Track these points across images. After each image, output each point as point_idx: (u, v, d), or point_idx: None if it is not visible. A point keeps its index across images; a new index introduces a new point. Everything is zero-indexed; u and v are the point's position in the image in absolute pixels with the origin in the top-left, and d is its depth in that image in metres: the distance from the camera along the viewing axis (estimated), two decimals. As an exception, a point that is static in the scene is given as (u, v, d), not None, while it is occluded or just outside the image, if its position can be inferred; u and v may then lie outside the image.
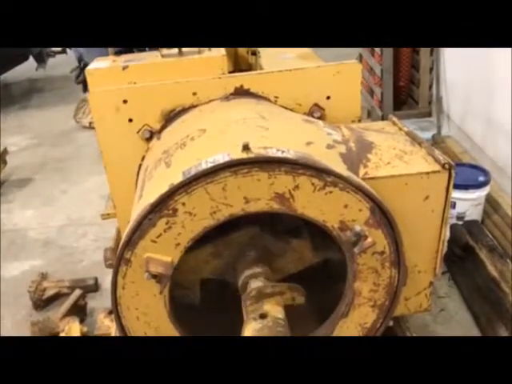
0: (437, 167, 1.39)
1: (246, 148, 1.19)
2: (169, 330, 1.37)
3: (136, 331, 1.36)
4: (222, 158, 1.20)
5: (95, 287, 2.65)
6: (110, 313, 2.23)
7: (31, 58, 6.18)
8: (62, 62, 6.10)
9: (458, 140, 3.61)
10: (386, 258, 1.36)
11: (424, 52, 4.00)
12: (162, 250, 1.25)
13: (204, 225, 1.25)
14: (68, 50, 6.23)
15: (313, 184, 1.23)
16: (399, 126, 1.65)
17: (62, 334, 2.08)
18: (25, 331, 2.27)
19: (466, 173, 2.70)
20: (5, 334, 2.43)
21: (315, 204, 1.26)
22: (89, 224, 3.35)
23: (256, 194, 1.23)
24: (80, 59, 4.06)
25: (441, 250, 1.50)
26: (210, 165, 1.19)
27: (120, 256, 1.26)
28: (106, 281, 2.71)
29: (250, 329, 1.21)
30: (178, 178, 1.20)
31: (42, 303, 2.55)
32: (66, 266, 2.93)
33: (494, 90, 3.12)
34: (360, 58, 4.44)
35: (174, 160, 1.39)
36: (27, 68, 6.35)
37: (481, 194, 2.67)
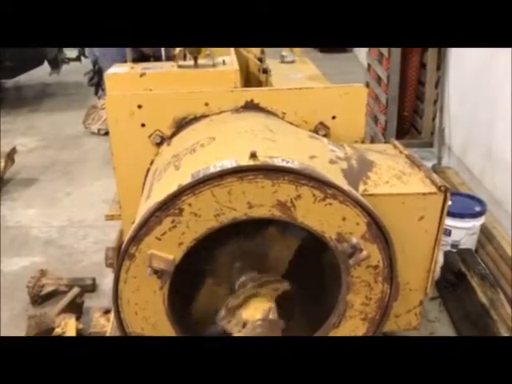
0: (433, 189, 1.45)
1: (253, 156, 1.25)
2: (165, 327, 1.41)
3: (133, 326, 1.40)
4: (229, 164, 1.26)
5: (93, 287, 2.69)
6: (106, 312, 2.27)
7: (46, 63, 6.30)
8: (76, 69, 6.22)
9: (457, 171, 3.68)
10: (380, 272, 1.41)
11: (429, 84, 4.11)
12: (166, 248, 1.30)
13: (208, 226, 1.30)
14: (82, 57, 6.37)
15: (314, 195, 1.29)
16: (400, 149, 1.72)
17: (58, 330, 2.12)
18: (21, 325, 2.30)
19: (462, 202, 2.76)
20: (1, 327, 2.46)
21: (315, 214, 1.31)
22: (90, 227, 3.40)
23: (259, 201, 1.29)
24: (95, 63, 4.22)
25: (432, 270, 1.55)
26: (217, 169, 1.25)
27: (125, 251, 1.31)
28: (104, 282, 2.75)
29: None
30: (186, 180, 1.26)
31: (40, 299, 2.59)
32: (66, 265, 2.98)
33: (495, 124, 3.21)
34: (366, 86, 4.55)
35: (183, 163, 1.45)
36: (41, 72, 6.46)
37: (476, 223, 2.73)
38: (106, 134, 4.83)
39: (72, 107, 5.91)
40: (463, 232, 2.69)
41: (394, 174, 1.51)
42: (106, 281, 2.72)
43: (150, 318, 1.40)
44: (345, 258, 1.36)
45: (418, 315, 1.62)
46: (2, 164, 3.95)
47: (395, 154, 1.69)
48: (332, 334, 1.48)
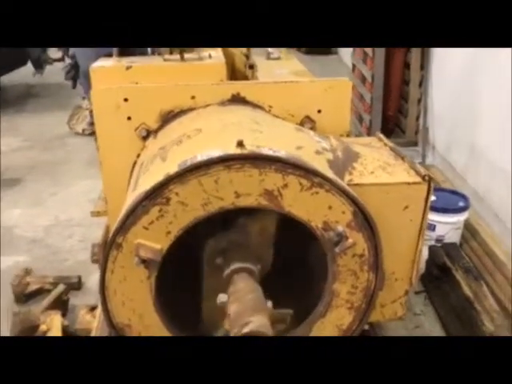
0: (417, 179, 1.47)
1: (240, 144, 1.26)
2: (152, 318, 1.41)
3: (120, 317, 1.40)
4: (216, 153, 1.27)
5: (78, 285, 2.67)
6: (92, 309, 2.26)
7: (29, 64, 6.24)
8: (60, 69, 6.16)
9: (441, 169, 3.73)
10: (365, 261, 1.42)
11: (413, 83, 4.16)
12: (153, 238, 1.30)
13: (195, 215, 1.30)
14: (66, 58, 6.31)
15: (300, 184, 1.30)
16: (384, 142, 1.74)
17: (43, 327, 2.10)
18: (4, 323, 2.28)
19: (446, 198, 2.80)
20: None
21: (301, 203, 1.33)
22: (76, 225, 3.38)
23: (246, 190, 1.30)
24: (72, 56, 4.19)
25: (417, 260, 1.57)
26: (205, 158, 1.26)
27: (112, 240, 1.31)
28: (90, 280, 2.73)
29: None
30: (173, 169, 1.27)
31: (24, 297, 2.56)
32: (51, 264, 2.95)
33: (478, 122, 3.26)
34: (352, 86, 4.59)
35: (170, 155, 1.46)
36: (24, 73, 6.39)
37: (460, 218, 2.76)
38: (91, 134, 4.83)
39: (56, 108, 5.86)
40: (448, 227, 2.72)
41: (378, 165, 1.53)
42: (92, 279, 2.71)
43: (137, 308, 1.39)
44: (331, 246, 1.37)
45: (404, 305, 1.64)
46: (-15, 164, 3.91)
47: (380, 147, 1.71)
48: (319, 323, 1.49)
